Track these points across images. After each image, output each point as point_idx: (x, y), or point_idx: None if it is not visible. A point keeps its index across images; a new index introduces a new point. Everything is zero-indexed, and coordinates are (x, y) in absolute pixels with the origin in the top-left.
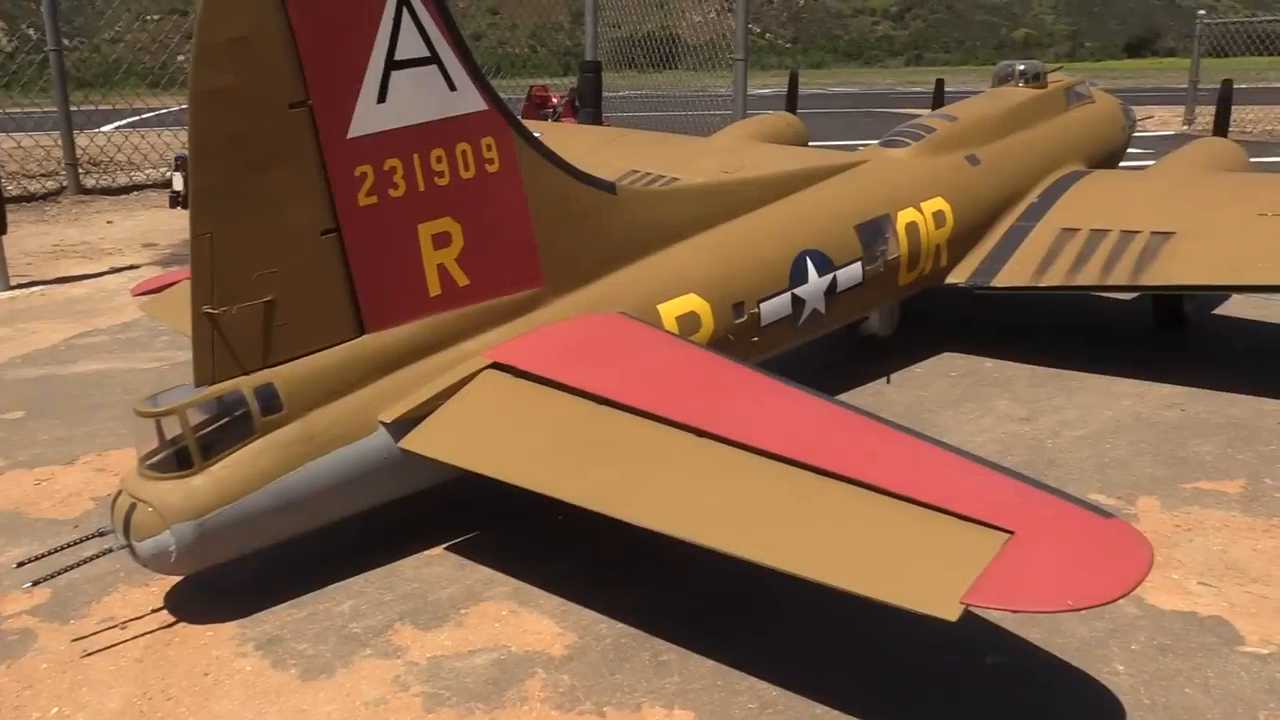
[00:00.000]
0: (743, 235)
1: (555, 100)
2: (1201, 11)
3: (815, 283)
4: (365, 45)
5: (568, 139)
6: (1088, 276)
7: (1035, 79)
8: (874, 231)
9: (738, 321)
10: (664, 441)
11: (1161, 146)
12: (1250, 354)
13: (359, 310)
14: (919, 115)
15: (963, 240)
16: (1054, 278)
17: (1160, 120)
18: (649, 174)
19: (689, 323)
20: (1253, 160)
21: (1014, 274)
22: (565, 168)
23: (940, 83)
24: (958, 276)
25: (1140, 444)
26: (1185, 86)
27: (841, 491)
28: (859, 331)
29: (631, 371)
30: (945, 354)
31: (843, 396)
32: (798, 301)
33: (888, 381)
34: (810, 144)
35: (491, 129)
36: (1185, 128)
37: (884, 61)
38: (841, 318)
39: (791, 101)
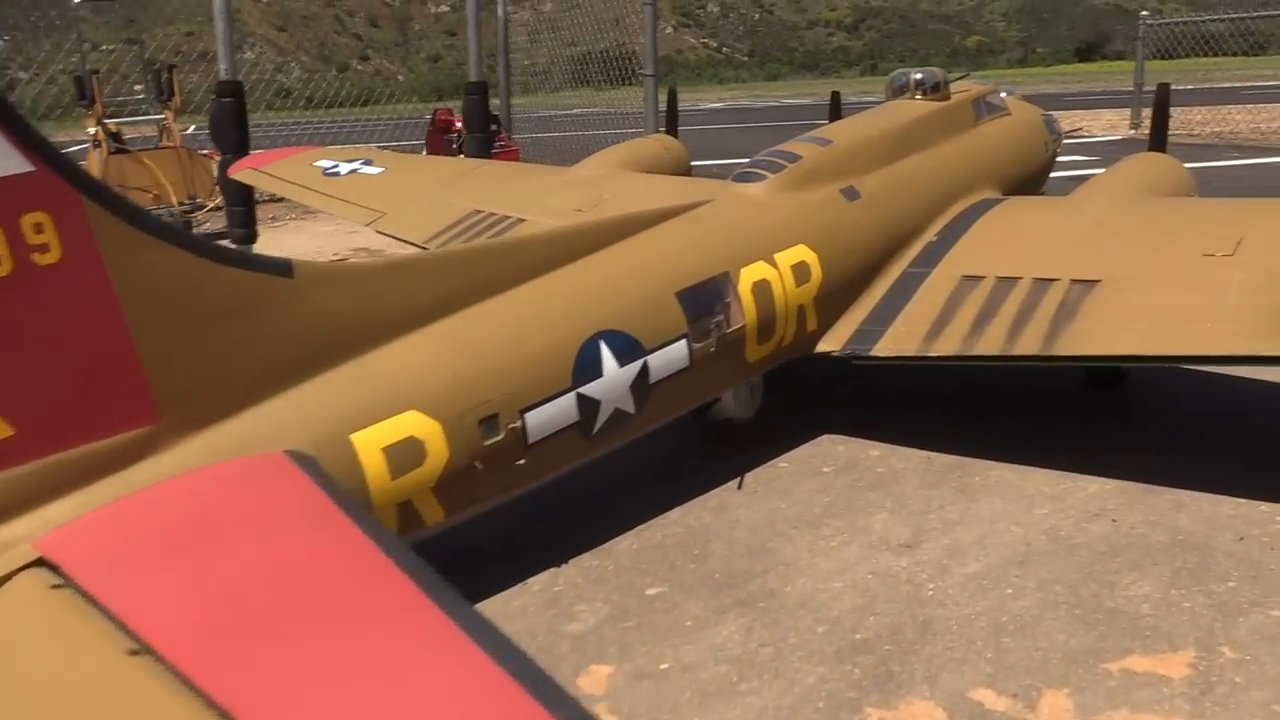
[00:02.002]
0: (500, 319)
1: (460, 124)
2: (1144, 13)
3: (615, 374)
4: None
5: (411, 174)
6: (990, 343)
7: (935, 89)
8: (705, 297)
9: (489, 443)
10: None
11: (1108, 153)
12: (1201, 420)
13: None
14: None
15: (837, 297)
16: (948, 344)
17: (1108, 124)
18: (492, 214)
19: (405, 455)
20: (1198, 165)
21: (900, 339)
22: (200, 247)
23: (836, 95)
24: (832, 343)
25: (1054, 586)
26: (1125, 89)
27: None
28: (710, 416)
29: (207, 587)
30: (824, 438)
31: (679, 510)
32: (587, 403)
33: (739, 486)
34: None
35: (44, 200)
36: (1131, 132)
37: (840, 72)
38: (663, 414)
39: (671, 122)
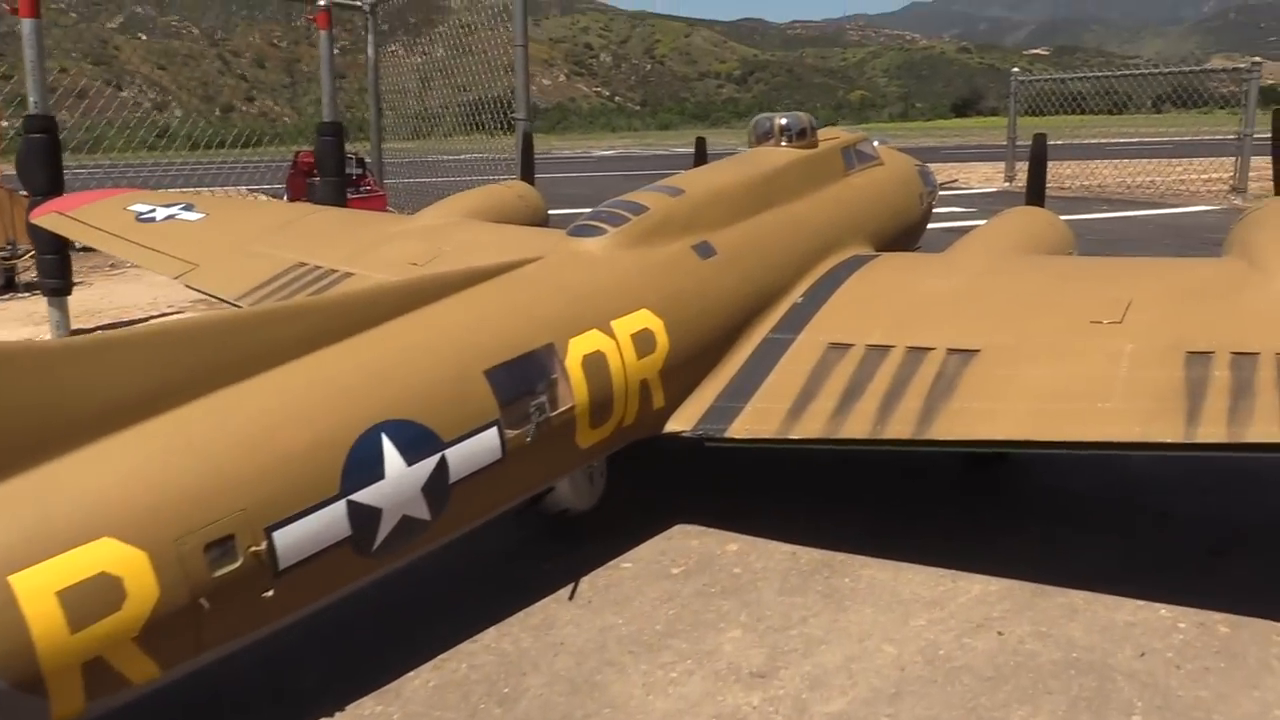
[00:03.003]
0: (243, 412)
1: None
2: (1015, 70)
3: (401, 475)
4: None
5: (237, 221)
6: (859, 424)
7: (800, 136)
8: (523, 375)
9: (221, 573)
10: None
11: (984, 205)
12: (1091, 501)
13: None
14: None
15: (687, 369)
16: (812, 424)
17: (984, 176)
18: (318, 267)
19: (92, 598)
20: (1071, 218)
21: (759, 417)
22: None
23: (701, 142)
24: (682, 422)
25: None
26: (999, 144)
27: None
28: (543, 508)
29: None
30: (677, 528)
31: (494, 630)
32: (363, 513)
33: (570, 596)
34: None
35: None
36: (1007, 184)
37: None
38: (471, 517)
39: (527, 168)
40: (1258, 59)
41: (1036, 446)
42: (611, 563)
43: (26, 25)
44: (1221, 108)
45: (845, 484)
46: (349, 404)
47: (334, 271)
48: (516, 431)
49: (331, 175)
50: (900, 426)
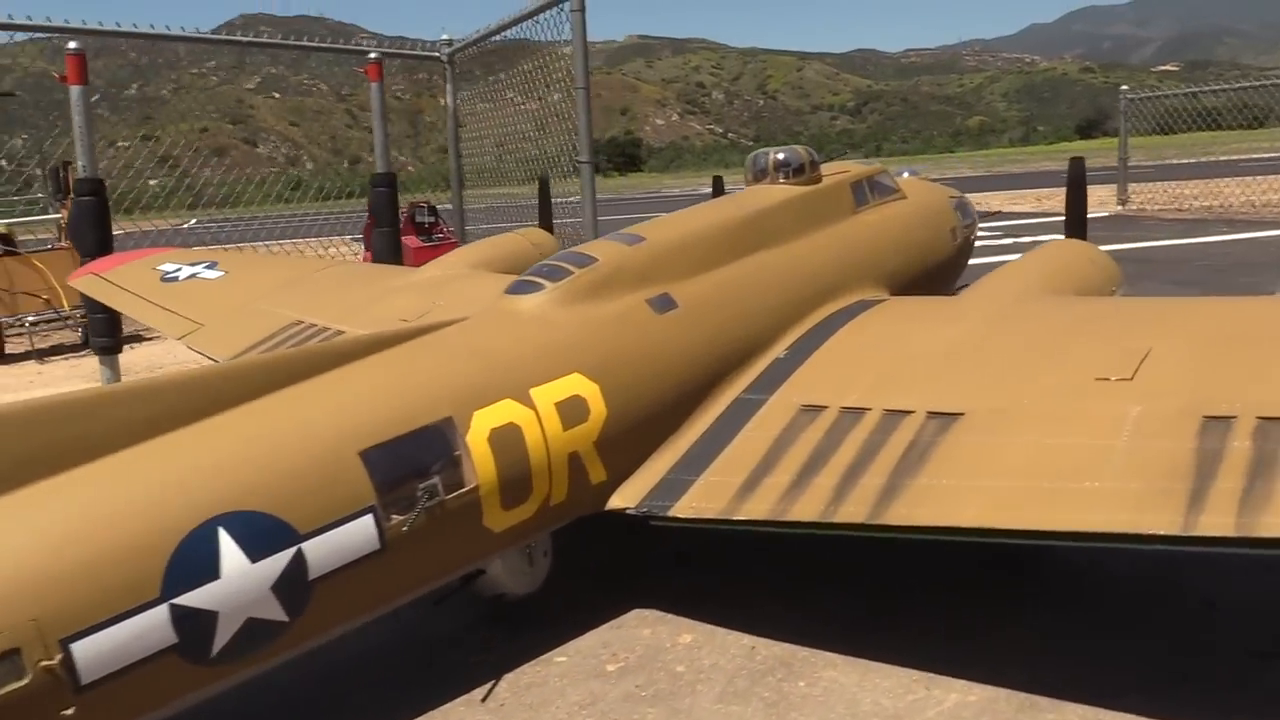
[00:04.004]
0: (41, 512)
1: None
2: (1124, 88)
3: (242, 573)
4: None
5: (254, 279)
6: (810, 505)
7: (799, 171)
8: (410, 454)
9: (4, 691)
10: None
11: (1094, 229)
12: (1118, 580)
13: None
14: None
15: (633, 437)
16: (761, 503)
17: (1098, 200)
18: (313, 325)
19: None
20: (1184, 242)
21: (708, 493)
22: None
23: (718, 181)
24: (627, 497)
25: None
26: (1136, 164)
27: None
28: (477, 591)
29: None
30: (633, 614)
31: None
32: (193, 617)
33: (484, 699)
34: None
35: None
36: (1119, 207)
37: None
38: (346, 616)
39: (545, 215)
40: None
41: (1002, 537)
42: (546, 655)
43: (74, 92)
44: None
45: (833, 557)
46: (179, 497)
47: (327, 329)
48: (401, 517)
49: (386, 225)
50: (854, 509)
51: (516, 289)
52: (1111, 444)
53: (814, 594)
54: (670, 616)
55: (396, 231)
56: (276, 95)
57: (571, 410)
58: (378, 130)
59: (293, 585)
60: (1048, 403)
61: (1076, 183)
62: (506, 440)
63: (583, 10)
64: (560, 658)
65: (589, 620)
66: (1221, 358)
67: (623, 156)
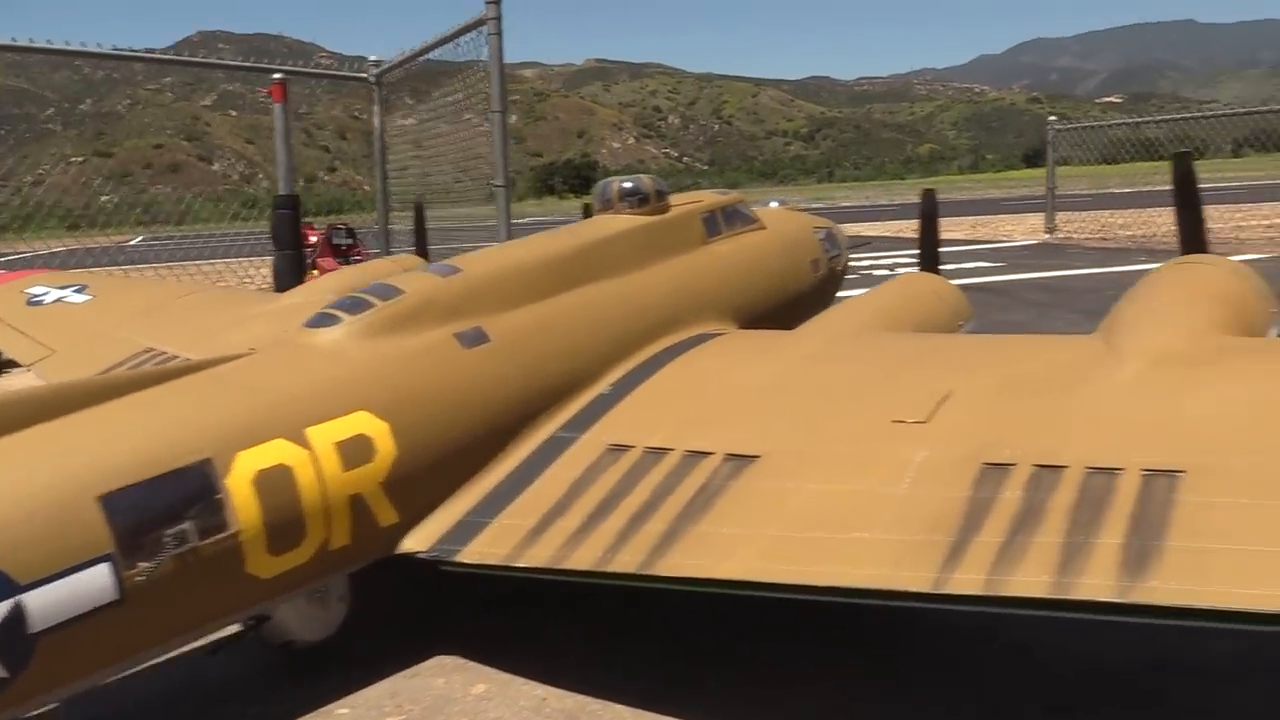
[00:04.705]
0: None
1: (314, 237)
2: (1052, 118)
3: None
4: None
5: (119, 303)
6: (588, 553)
7: (644, 202)
8: (159, 499)
9: None
10: None
11: (1017, 259)
12: (937, 629)
13: None
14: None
15: (429, 477)
16: (544, 550)
17: (1030, 228)
18: (163, 353)
19: None
20: (1099, 271)
21: (499, 537)
22: None
23: (588, 208)
24: (419, 540)
25: None
26: (1077, 193)
27: None
28: (264, 639)
29: None
30: (435, 660)
31: None
32: None
33: None
34: None
35: None
36: (1046, 235)
37: (797, 180)
38: (80, 671)
39: (420, 241)
40: None
41: (764, 591)
42: (329, 706)
43: None
44: None
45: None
46: None
47: (175, 357)
48: (145, 565)
49: (288, 249)
50: (629, 557)
51: (315, 323)
52: (891, 492)
53: (621, 644)
54: (471, 664)
55: (300, 255)
56: (233, 112)
57: (354, 450)
58: (280, 152)
59: (11, 639)
60: (841, 446)
61: (929, 216)
62: (275, 482)
63: (500, 34)
64: (342, 709)
65: (385, 668)
66: (1019, 400)
67: (579, 179)
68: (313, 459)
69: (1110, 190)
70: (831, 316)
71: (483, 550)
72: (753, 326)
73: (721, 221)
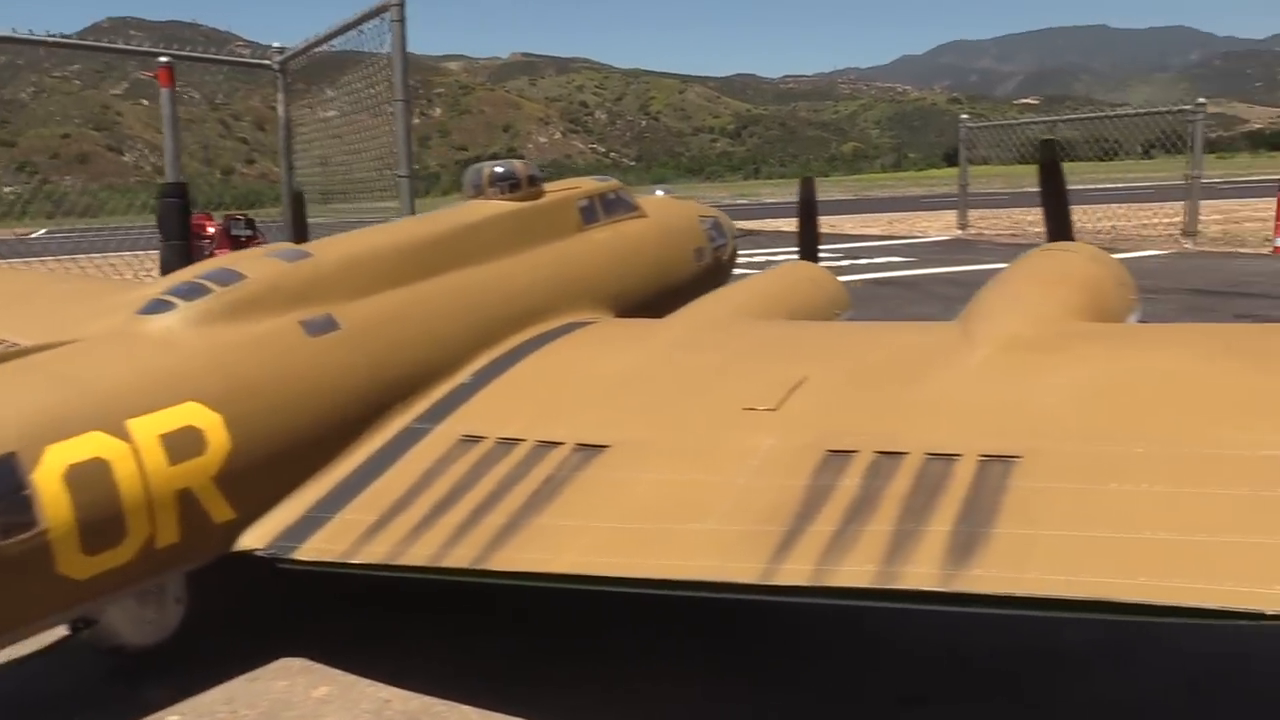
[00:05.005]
0: None
1: (212, 229)
2: (964, 117)
3: None
4: None
5: None
6: (422, 549)
7: (515, 188)
8: None
9: None
10: None
11: (929, 254)
12: (802, 626)
13: None
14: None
15: (267, 470)
16: (381, 546)
17: (945, 224)
18: (16, 344)
19: None
20: (997, 266)
21: (339, 533)
22: None
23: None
24: (258, 537)
25: None
26: (994, 191)
27: None
28: (93, 643)
29: None
30: (281, 662)
31: None
32: None
33: None
34: None
35: None
36: (959, 232)
37: (724, 176)
38: None
39: (299, 233)
40: (1202, 100)
41: (598, 585)
42: (159, 713)
43: None
44: (1211, 152)
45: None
46: None
47: (16, 344)
48: None
49: (175, 239)
50: (465, 552)
51: (148, 309)
52: (732, 481)
53: (476, 643)
54: (318, 666)
55: (186, 245)
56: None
57: (182, 443)
58: (168, 138)
59: None
60: (690, 435)
61: (807, 205)
62: (89, 477)
63: (403, 20)
64: (174, 715)
65: (227, 671)
66: (871, 387)
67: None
68: (133, 452)
69: (1025, 189)
70: (702, 304)
71: (320, 547)
72: (631, 315)
73: (599, 208)
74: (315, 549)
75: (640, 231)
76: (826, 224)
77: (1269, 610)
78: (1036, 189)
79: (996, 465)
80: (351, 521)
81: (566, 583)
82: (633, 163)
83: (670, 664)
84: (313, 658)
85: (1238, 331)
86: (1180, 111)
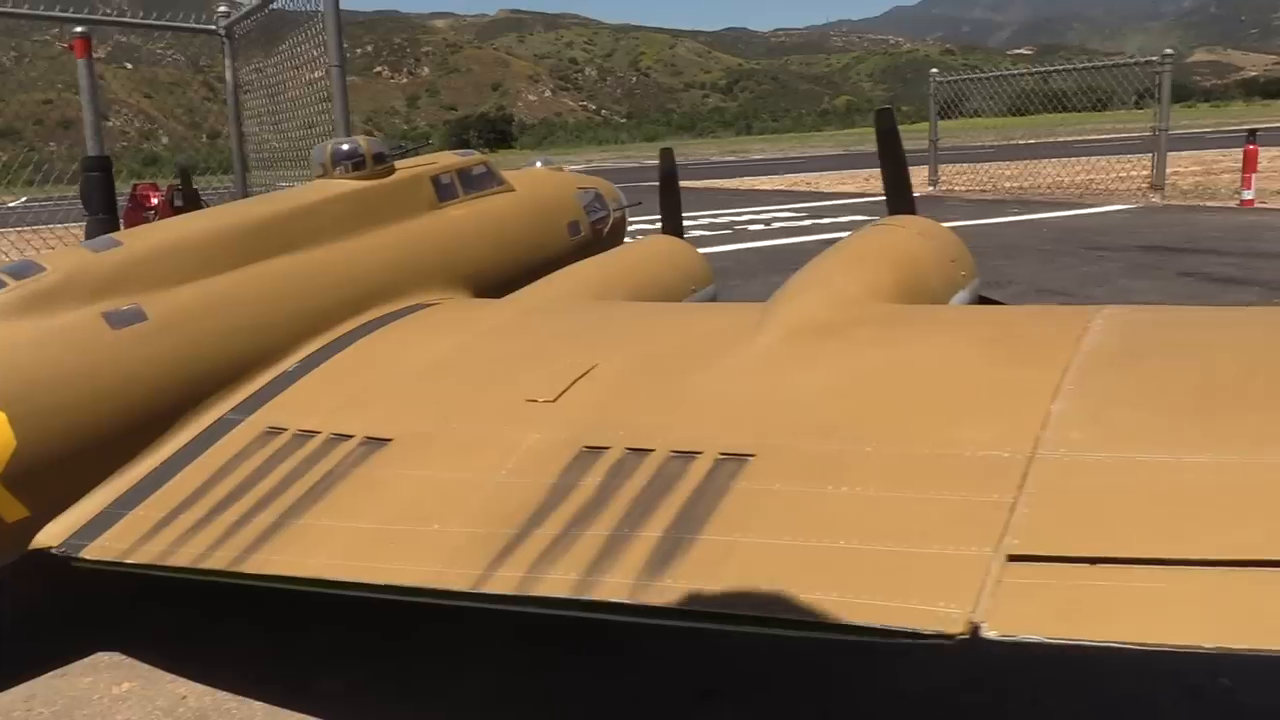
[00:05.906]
0: None
1: (155, 199)
2: (934, 71)
3: None
4: None
5: None
6: (190, 549)
7: (360, 165)
8: None
9: None
10: None
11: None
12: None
13: None
14: None
15: (67, 468)
16: (157, 545)
17: (921, 180)
18: None
19: None
20: (969, 223)
21: (126, 531)
22: None
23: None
24: (53, 535)
25: None
26: (980, 145)
27: None
28: None
29: None
30: (92, 658)
31: None
32: None
33: None
34: None
35: None
36: (930, 188)
37: (716, 132)
38: None
39: (191, 202)
40: (1169, 51)
41: (338, 589)
42: None
43: None
44: (1205, 101)
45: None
46: None
47: None
48: None
49: (100, 213)
50: (226, 554)
51: None
52: (490, 479)
53: (293, 638)
54: (129, 662)
55: (114, 219)
56: (129, 65)
57: None
58: (87, 110)
59: None
60: (470, 428)
61: (668, 176)
62: None
63: None
64: None
65: (39, 667)
66: (654, 376)
67: (494, 133)
68: None
69: (1016, 141)
70: (541, 284)
71: (106, 545)
72: (493, 294)
73: (458, 184)
74: (101, 547)
75: (505, 206)
76: (803, 183)
77: (950, 631)
78: (1026, 142)
79: (730, 464)
80: (141, 518)
81: (311, 587)
82: (623, 120)
83: (479, 658)
84: (127, 653)
85: (1025, 315)
86: (1148, 63)
